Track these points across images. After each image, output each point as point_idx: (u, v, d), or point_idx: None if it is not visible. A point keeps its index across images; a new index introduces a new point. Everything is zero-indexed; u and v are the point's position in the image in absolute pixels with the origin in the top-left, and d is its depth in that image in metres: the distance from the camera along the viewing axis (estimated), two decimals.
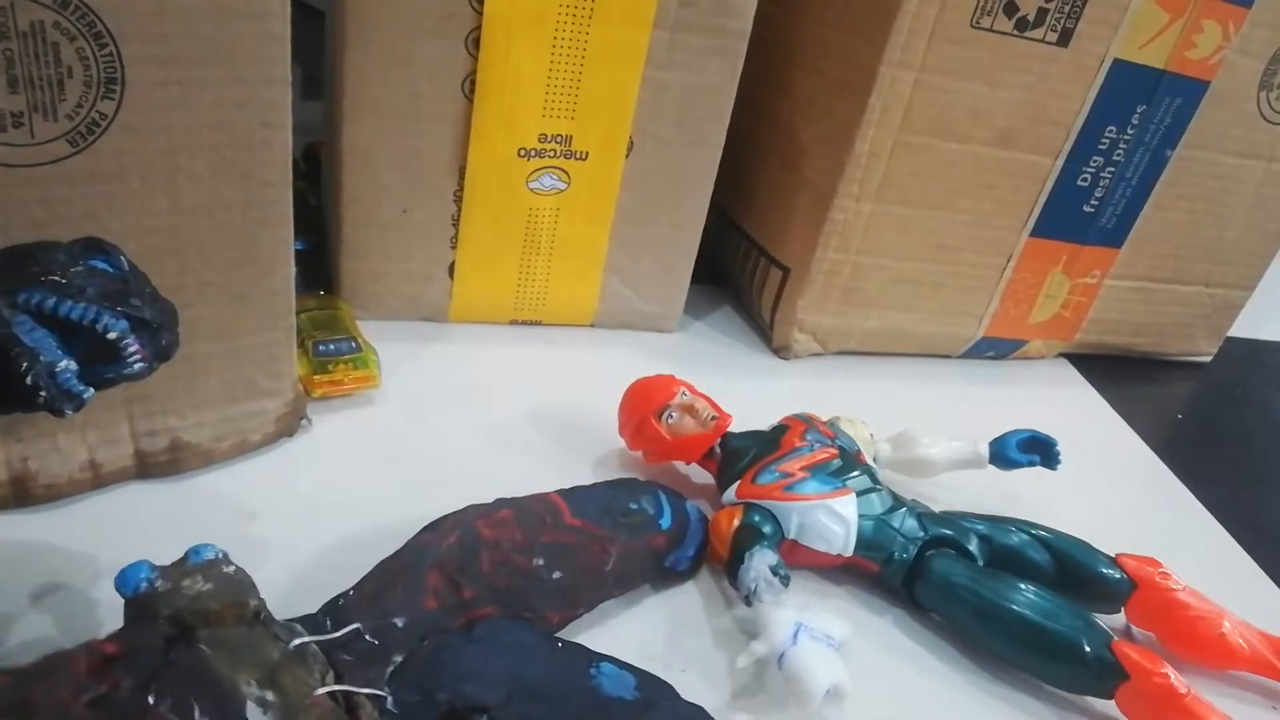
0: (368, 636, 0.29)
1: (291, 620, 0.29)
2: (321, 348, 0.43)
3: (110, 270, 0.27)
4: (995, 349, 0.60)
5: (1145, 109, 0.52)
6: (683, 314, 0.56)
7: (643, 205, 0.50)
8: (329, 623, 0.29)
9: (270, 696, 0.26)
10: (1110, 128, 0.51)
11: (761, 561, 0.35)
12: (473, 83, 0.43)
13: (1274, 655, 0.37)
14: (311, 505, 0.38)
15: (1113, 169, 0.53)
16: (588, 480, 0.42)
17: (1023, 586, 0.36)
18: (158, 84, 0.30)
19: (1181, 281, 0.61)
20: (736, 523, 0.37)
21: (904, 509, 0.39)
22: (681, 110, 0.47)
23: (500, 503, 0.35)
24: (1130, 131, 0.52)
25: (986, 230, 0.53)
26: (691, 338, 0.56)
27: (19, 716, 0.24)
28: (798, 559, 0.38)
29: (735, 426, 0.41)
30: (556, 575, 0.33)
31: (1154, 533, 0.47)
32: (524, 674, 0.29)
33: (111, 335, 0.26)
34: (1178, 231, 0.58)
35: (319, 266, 0.51)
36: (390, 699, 0.28)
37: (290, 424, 0.40)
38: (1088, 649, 0.34)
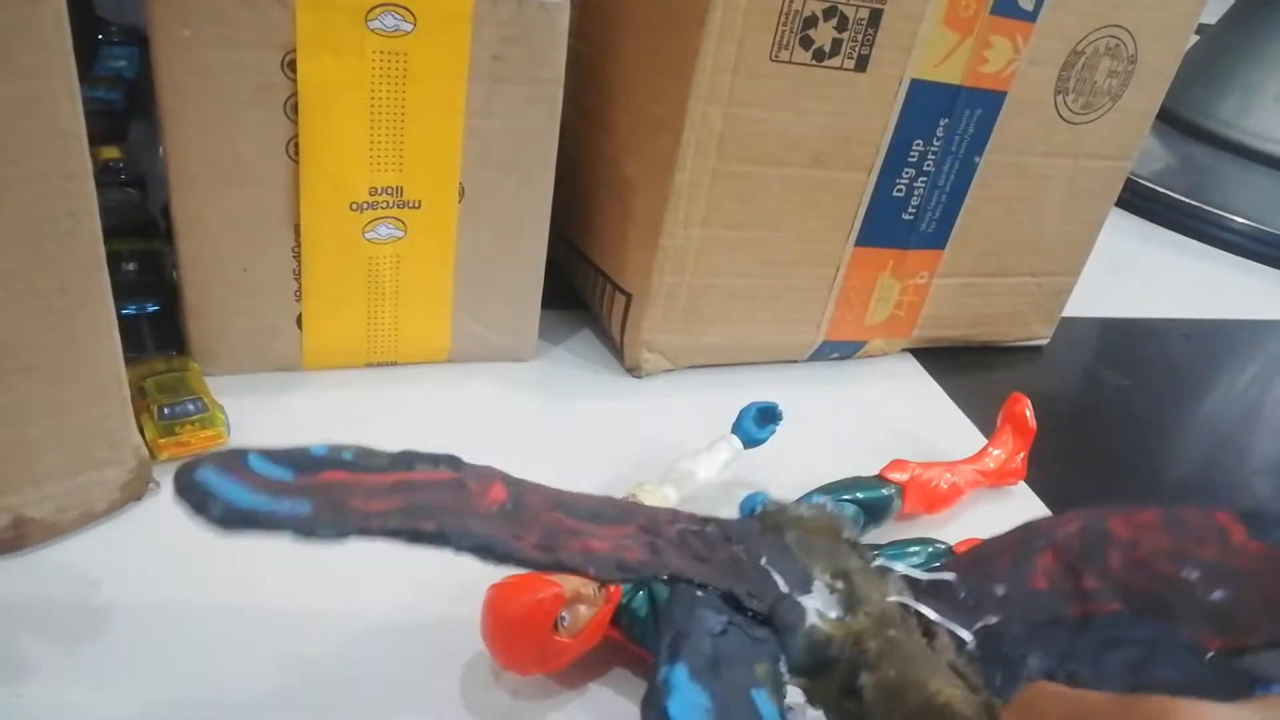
0: (961, 593, 0.29)
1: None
2: (166, 411, 0.45)
3: None
4: (838, 351, 0.63)
5: (948, 122, 0.55)
6: (541, 340, 0.58)
7: (483, 246, 0.52)
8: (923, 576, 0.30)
9: (840, 585, 0.27)
10: (917, 141, 0.55)
11: None
12: (296, 145, 0.45)
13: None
14: (162, 567, 0.39)
15: (925, 178, 0.57)
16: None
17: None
18: None
19: (1006, 274, 0.65)
20: None
21: None
22: (508, 156, 0.49)
23: (1140, 507, 0.31)
24: (936, 144, 0.56)
25: (813, 244, 0.57)
26: (548, 363, 0.59)
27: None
28: None
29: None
30: (1217, 595, 0.28)
31: (980, 516, 0.51)
32: (1149, 673, 0.27)
33: None
34: (996, 229, 0.62)
35: (174, 327, 0.52)
36: (973, 643, 0.27)
37: (137, 489, 0.42)
38: (883, 493, 0.46)
